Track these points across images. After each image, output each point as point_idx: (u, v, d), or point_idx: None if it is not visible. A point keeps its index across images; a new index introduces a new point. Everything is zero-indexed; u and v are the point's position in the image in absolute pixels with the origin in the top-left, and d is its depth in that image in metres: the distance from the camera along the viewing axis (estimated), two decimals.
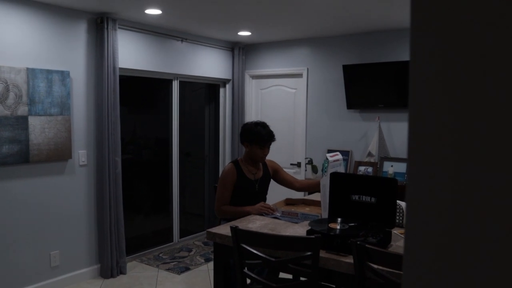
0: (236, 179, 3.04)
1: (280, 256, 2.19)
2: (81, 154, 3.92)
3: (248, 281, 2.33)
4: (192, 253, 4.83)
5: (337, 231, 2.22)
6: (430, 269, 0.44)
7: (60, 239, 3.81)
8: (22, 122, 3.41)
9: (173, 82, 4.94)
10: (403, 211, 2.59)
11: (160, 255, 4.74)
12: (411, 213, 0.45)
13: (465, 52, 0.41)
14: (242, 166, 3.10)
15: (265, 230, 2.47)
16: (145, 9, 3.79)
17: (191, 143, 5.41)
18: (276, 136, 3.15)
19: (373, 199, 2.35)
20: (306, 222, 2.57)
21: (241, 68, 5.52)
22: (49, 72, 3.57)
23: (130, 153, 4.79)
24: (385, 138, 4.55)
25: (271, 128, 3.15)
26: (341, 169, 2.87)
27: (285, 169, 3.44)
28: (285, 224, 2.66)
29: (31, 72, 3.45)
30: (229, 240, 2.31)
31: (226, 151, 5.65)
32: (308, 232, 2.26)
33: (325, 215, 2.61)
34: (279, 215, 2.89)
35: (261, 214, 2.89)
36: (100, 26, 3.92)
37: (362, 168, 4.56)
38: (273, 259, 2.14)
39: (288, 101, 5.39)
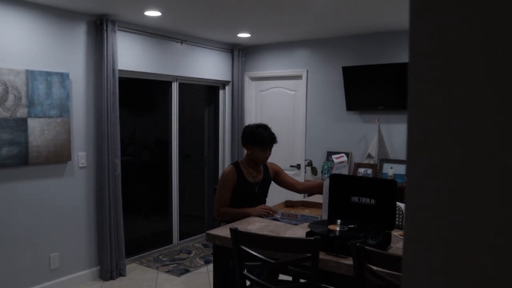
0: (236, 181, 3.04)
1: (280, 258, 2.19)
2: (80, 156, 3.92)
3: (248, 283, 2.33)
4: (191, 255, 4.83)
5: (337, 233, 2.22)
6: (430, 271, 0.43)
7: (60, 241, 3.81)
8: (21, 124, 3.41)
9: (173, 84, 4.95)
10: (402, 213, 2.59)
11: (160, 257, 4.73)
12: (411, 215, 0.45)
13: (464, 53, 0.41)
14: (242, 168, 3.10)
15: (264, 232, 2.47)
16: (145, 11, 3.79)
17: (190, 145, 5.41)
18: (276, 138, 3.15)
19: (372, 201, 2.35)
20: (306, 224, 2.57)
21: (240, 70, 5.52)
22: (48, 74, 3.57)
23: (130, 155, 4.78)
24: (385, 139, 4.54)
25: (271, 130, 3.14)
26: (345, 171, 2.88)
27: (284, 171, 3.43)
28: (284, 226, 2.66)
29: (30, 74, 3.44)
30: (229, 242, 2.30)
31: (226, 153, 5.65)
32: (308, 233, 2.26)
33: (325, 216, 2.61)
34: (278, 217, 2.89)
35: (261, 216, 2.88)
36: (99, 28, 3.93)
37: (361, 170, 4.56)
38: (272, 261, 2.14)
39: (288, 102, 5.39)
